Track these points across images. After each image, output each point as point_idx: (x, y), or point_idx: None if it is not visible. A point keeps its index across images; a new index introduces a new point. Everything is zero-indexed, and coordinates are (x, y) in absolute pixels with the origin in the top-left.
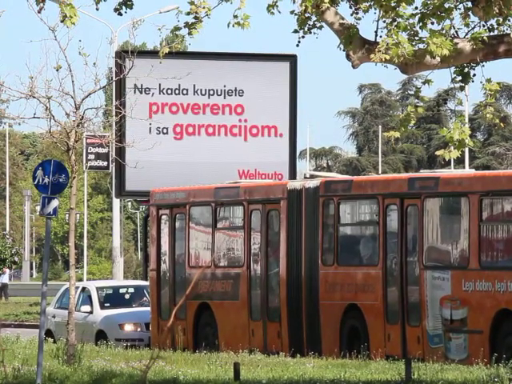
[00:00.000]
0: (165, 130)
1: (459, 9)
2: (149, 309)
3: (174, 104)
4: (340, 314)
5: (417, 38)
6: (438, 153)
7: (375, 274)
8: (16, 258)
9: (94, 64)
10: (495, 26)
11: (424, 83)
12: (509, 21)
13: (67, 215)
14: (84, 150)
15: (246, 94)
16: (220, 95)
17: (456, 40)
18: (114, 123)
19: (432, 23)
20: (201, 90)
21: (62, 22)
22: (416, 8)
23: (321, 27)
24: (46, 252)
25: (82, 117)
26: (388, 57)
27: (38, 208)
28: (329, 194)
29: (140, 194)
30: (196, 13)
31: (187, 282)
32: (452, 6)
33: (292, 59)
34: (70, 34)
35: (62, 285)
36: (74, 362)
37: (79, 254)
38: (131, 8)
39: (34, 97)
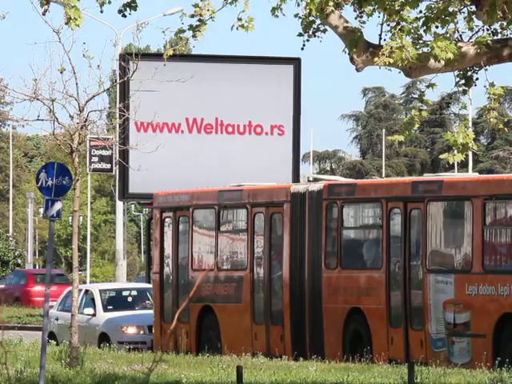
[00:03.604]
0: (169, 132)
1: (463, 12)
2: (151, 311)
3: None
4: (343, 318)
5: (421, 42)
6: (442, 156)
7: (378, 277)
8: (19, 261)
9: (98, 66)
10: (499, 30)
11: (428, 87)
12: None
13: (70, 217)
14: (87, 153)
15: (250, 98)
16: (224, 98)
17: (460, 44)
18: (117, 126)
19: (436, 27)
20: (205, 93)
21: (66, 24)
22: (420, 12)
23: (325, 30)
24: (49, 254)
25: (86, 119)
26: (392, 60)
27: (42, 210)
28: (332, 198)
29: (143, 196)
30: (200, 15)
31: (190, 284)
32: (456, 9)
33: (296, 62)
34: (74, 36)
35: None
36: (76, 365)
37: (82, 257)
38: (135, 9)
39: (37, 99)
